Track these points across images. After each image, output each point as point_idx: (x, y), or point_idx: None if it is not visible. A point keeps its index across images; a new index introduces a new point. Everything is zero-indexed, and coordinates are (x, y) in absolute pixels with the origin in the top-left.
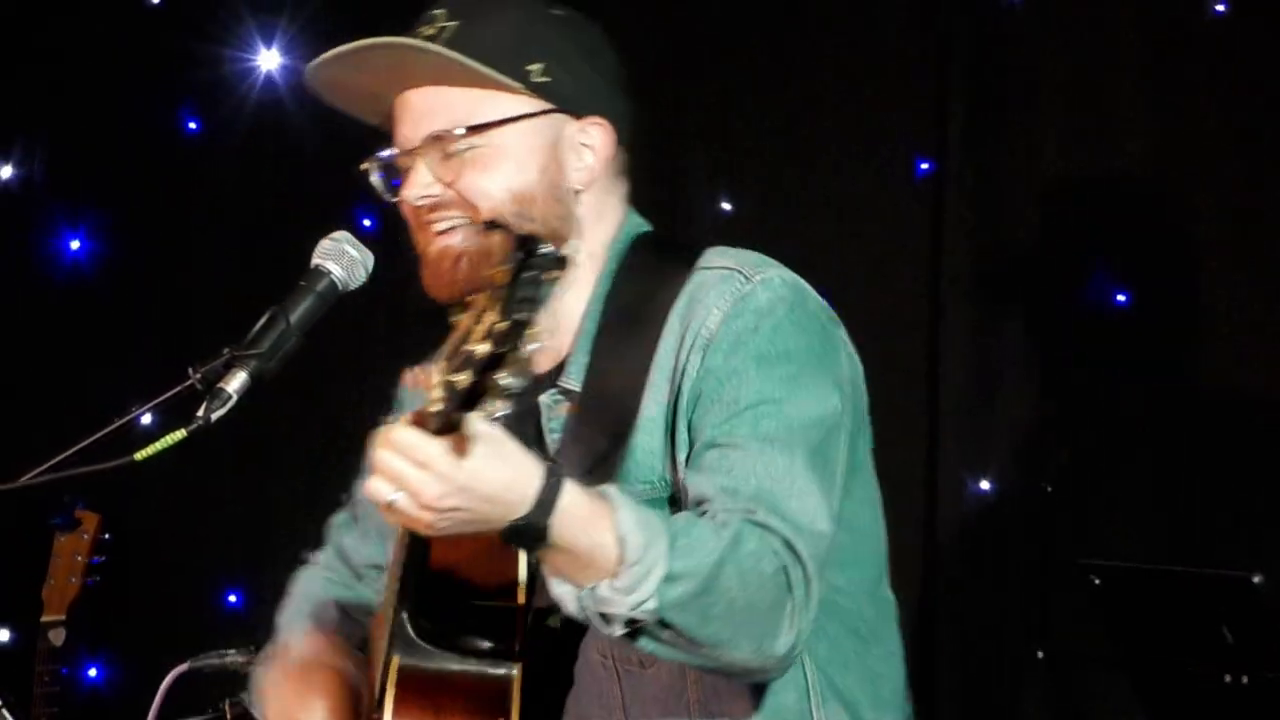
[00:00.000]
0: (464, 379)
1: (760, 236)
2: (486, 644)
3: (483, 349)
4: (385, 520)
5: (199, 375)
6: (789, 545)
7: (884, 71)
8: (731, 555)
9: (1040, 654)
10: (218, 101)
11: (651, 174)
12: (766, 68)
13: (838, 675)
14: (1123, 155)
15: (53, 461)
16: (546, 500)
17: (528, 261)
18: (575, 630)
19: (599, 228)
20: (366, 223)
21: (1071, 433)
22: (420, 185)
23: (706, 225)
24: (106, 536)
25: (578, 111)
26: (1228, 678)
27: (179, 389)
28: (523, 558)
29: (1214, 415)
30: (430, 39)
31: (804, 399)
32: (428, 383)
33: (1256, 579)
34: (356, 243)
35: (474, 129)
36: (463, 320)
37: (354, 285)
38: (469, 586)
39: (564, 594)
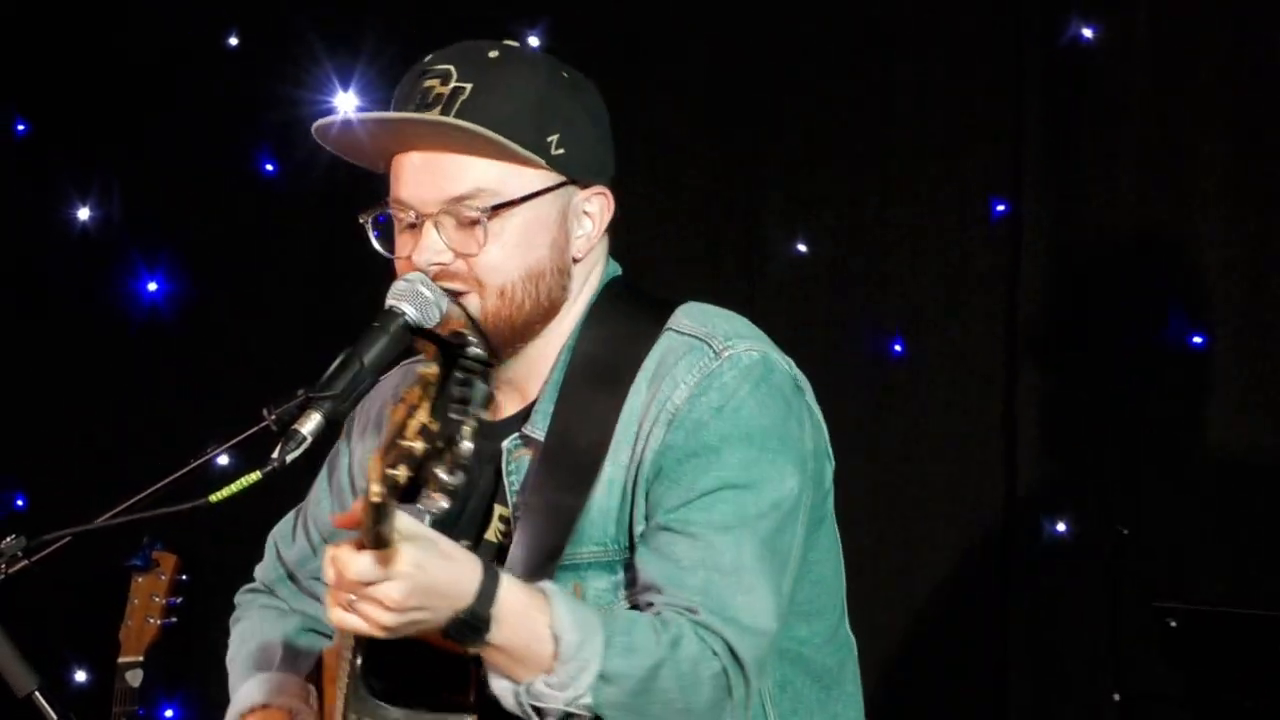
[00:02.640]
0: (402, 474)
1: (835, 278)
2: (442, 696)
3: (419, 446)
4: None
5: (274, 417)
6: (730, 649)
7: (960, 112)
8: (670, 658)
9: (1116, 696)
10: (294, 144)
11: (728, 216)
12: (842, 109)
13: None
14: (1200, 195)
15: (130, 502)
16: (487, 591)
17: (458, 364)
18: None
19: (586, 288)
20: None
21: (1147, 474)
22: (431, 251)
23: (783, 266)
24: (184, 577)
25: (584, 181)
26: None
27: (254, 430)
28: None
29: None
30: (443, 99)
31: (761, 485)
32: (371, 472)
33: None
34: (430, 283)
35: (499, 207)
36: (398, 411)
37: (428, 325)
38: (420, 640)
39: (502, 690)
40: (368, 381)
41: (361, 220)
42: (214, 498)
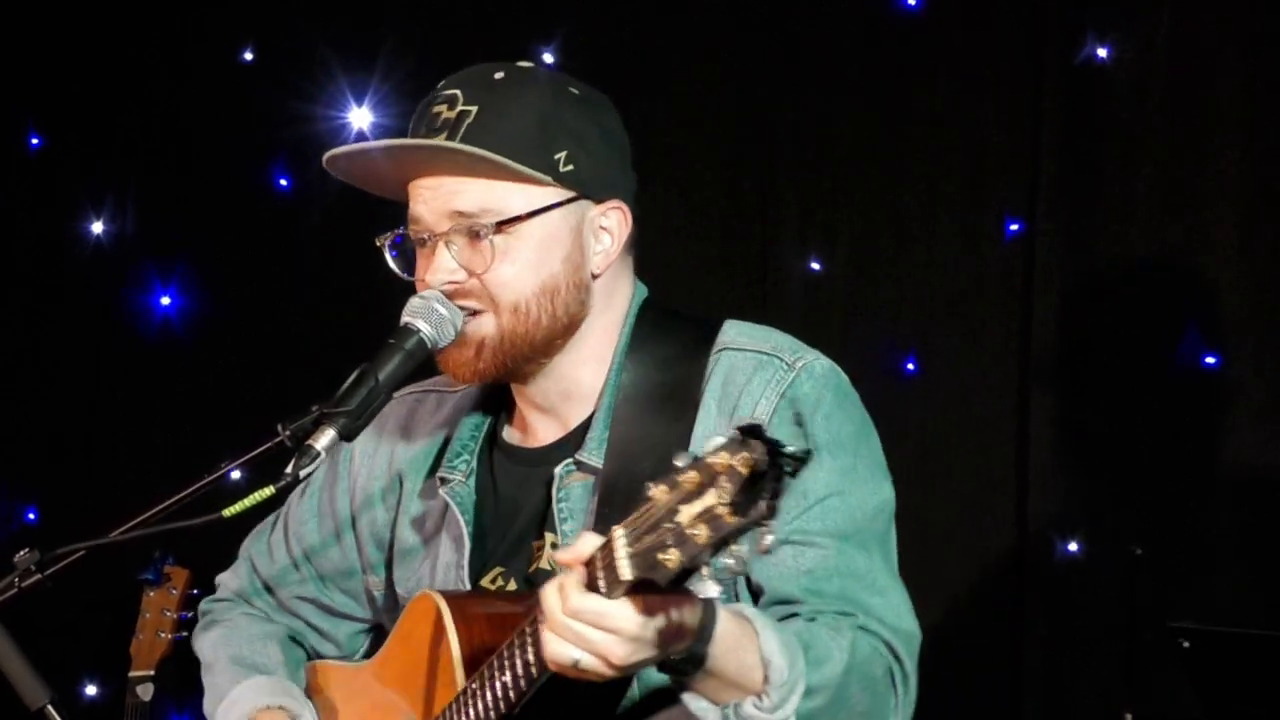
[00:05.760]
0: (673, 557)
1: (849, 296)
2: None
3: (702, 534)
4: (559, 672)
5: (288, 432)
6: (890, 647)
7: (975, 132)
8: (854, 663)
9: (1129, 716)
10: (308, 158)
11: (742, 233)
12: (858, 127)
13: None
14: (1213, 215)
15: (143, 517)
16: (707, 630)
17: (778, 461)
18: None
19: (612, 305)
20: None
21: (1161, 494)
22: (444, 270)
23: (796, 284)
24: (195, 592)
25: (599, 196)
26: None
27: (268, 446)
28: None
29: None
30: (450, 123)
31: (864, 490)
32: (621, 546)
33: None
34: (446, 300)
35: (504, 223)
36: (659, 493)
37: (443, 343)
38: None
39: (703, 709)
40: (382, 398)
41: (378, 244)
42: (228, 512)
